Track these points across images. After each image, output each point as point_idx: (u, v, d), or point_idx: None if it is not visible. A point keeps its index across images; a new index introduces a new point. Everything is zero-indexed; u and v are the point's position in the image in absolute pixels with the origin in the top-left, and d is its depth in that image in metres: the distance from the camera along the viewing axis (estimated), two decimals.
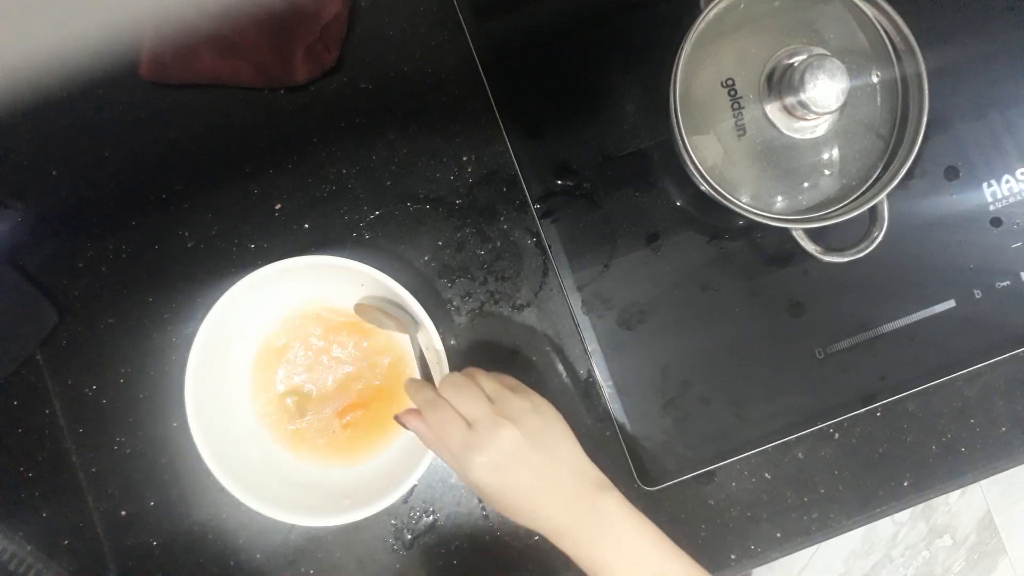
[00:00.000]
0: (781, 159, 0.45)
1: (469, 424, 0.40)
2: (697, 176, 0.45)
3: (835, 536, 0.52)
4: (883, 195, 0.45)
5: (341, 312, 0.50)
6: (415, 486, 0.51)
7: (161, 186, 0.52)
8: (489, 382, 0.41)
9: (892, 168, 0.45)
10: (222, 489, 0.45)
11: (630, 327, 0.51)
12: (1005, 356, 0.52)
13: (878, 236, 0.46)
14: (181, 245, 0.52)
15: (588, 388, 0.52)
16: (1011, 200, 0.52)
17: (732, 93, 0.45)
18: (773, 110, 0.44)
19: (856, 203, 0.45)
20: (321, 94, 0.52)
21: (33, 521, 0.51)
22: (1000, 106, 0.53)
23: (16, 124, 0.52)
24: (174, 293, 0.52)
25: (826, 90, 0.41)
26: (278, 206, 0.52)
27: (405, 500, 0.51)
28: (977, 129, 0.53)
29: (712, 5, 0.44)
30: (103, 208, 0.52)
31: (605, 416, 0.51)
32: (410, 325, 0.47)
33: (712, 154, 0.45)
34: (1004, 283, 0.52)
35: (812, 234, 0.46)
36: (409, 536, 0.51)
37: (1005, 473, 0.53)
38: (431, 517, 0.51)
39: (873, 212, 0.46)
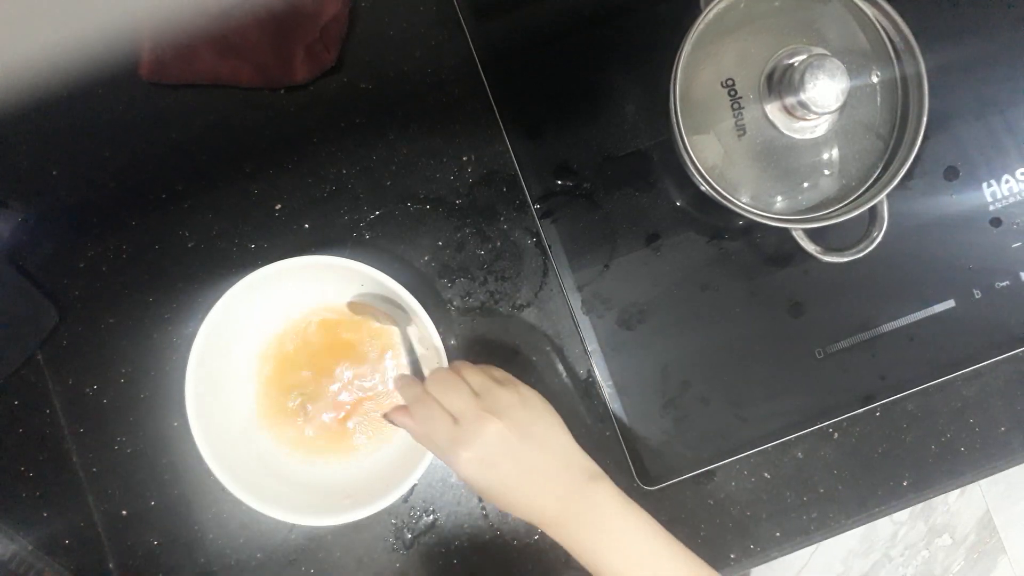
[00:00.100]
0: (781, 159, 0.45)
1: (455, 419, 0.40)
2: (697, 176, 0.45)
3: (834, 535, 0.52)
4: (883, 195, 0.45)
5: (341, 312, 0.50)
6: (415, 486, 0.51)
7: (161, 186, 0.52)
8: (475, 376, 0.41)
9: (892, 168, 0.45)
10: (222, 489, 0.45)
11: (630, 327, 0.51)
12: (1004, 356, 0.52)
13: (878, 236, 0.46)
14: (181, 245, 0.52)
15: (588, 388, 0.52)
16: (1011, 200, 0.52)
17: (732, 93, 0.45)
18: (773, 110, 0.44)
19: (856, 203, 0.45)
20: (321, 94, 0.52)
21: (34, 521, 0.51)
22: (1000, 106, 0.53)
23: (16, 124, 0.52)
24: (174, 293, 0.52)
25: (826, 90, 0.41)
26: (278, 206, 0.52)
27: (405, 500, 0.51)
28: (977, 129, 0.53)
29: (712, 5, 0.44)
30: (103, 208, 0.52)
31: (605, 416, 0.51)
32: (401, 319, 0.48)
33: (712, 154, 0.45)
34: (1003, 283, 0.52)
35: (812, 234, 0.46)
36: (409, 536, 0.51)
37: (1004, 473, 0.53)
38: (431, 517, 0.51)
39: (873, 212, 0.46)
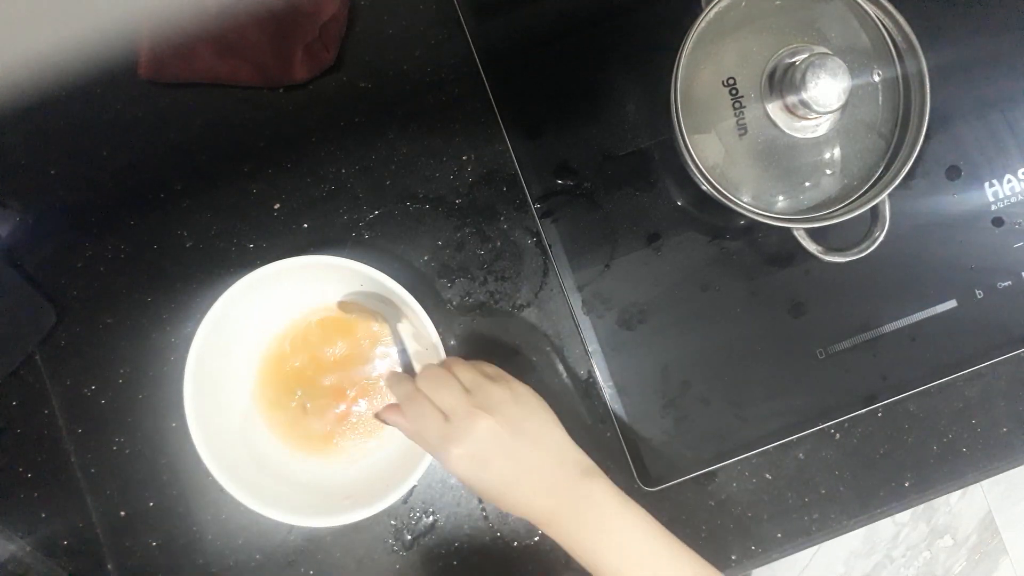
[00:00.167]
0: (782, 158, 0.45)
1: (446, 416, 0.39)
2: (698, 176, 0.45)
3: (836, 536, 0.52)
4: (885, 195, 0.44)
5: (340, 311, 0.50)
6: (415, 486, 0.51)
7: (160, 186, 0.52)
8: (466, 372, 0.41)
9: (894, 168, 0.45)
10: (221, 489, 0.45)
11: (630, 327, 0.51)
12: (1006, 356, 0.51)
13: (879, 236, 0.46)
14: (180, 245, 0.52)
15: (588, 388, 0.51)
16: (1013, 200, 0.52)
17: (733, 92, 0.44)
18: (774, 109, 0.44)
19: (857, 203, 0.45)
20: (320, 93, 0.52)
21: (32, 522, 0.50)
22: (1002, 105, 0.53)
23: (15, 124, 0.52)
24: (173, 293, 0.51)
25: (827, 89, 0.41)
26: (277, 206, 0.52)
27: (405, 500, 0.51)
28: (979, 128, 0.53)
29: (713, 4, 0.44)
30: (102, 208, 0.52)
31: (605, 416, 0.51)
32: (391, 316, 0.48)
33: (713, 153, 0.45)
34: (1006, 283, 0.52)
35: (813, 234, 0.46)
36: (409, 536, 0.51)
37: (1006, 473, 0.52)
38: (431, 517, 0.51)
39: (875, 212, 0.46)
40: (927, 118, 0.44)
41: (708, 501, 0.51)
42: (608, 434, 0.51)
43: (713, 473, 0.51)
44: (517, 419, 0.40)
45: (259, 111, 0.52)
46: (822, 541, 0.52)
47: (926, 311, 0.51)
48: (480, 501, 0.51)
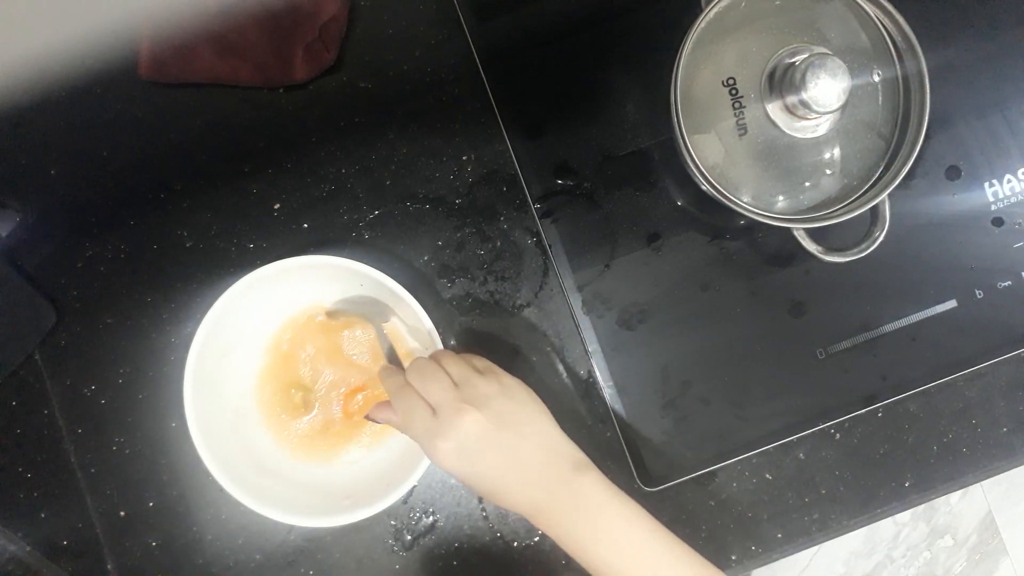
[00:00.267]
0: (782, 158, 0.45)
1: (433, 410, 0.39)
2: (698, 176, 0.45)
3: (836, 537, 0.52)
4: (884, 195, 0.44)
5: (339, 311, 0.50)
6: (415, 486, 0.51)
7: (160, 186, 0.52)
8: (456, 365, 0.41)
9: (894, 168, 0.45)
10: (221, 489, 0.45)
11: (630, 327, 0.51)
12: (1006, 356, 0.51)
13: (879, 236, 0.46)
14: (180, 245, 0.52)
15: (588, 388, 0.51)
16: (1013, 200, 0.52)
17: (733, 92, 0.44)
18: (774, 109, 0.44)
19: (857, 203, 0.45)
20: (320, 93, 0.52)
21: (32, 522, 0.50)
22: (1002, 105, 0.53)
23: (16, 124, 0.52)
24: (173, 293, 0.51)
25: (827, 89, 0.41)
26: (277, 206, 0.52)
27: (405, 500, 0.51)
28: (979, 129, 0.53)
29: (713, 4, 0.44)
30: (102, 208, 0.52)
31: (605, 416, 0.51)
32: (376, 316, 0.48)
33: (713, 153, 0.45)
34: (1006, 283, 0.52)
35: (813, 234, 0.46)
36: (409, 537, 0.51)
37: (1006, 474, 0.52)
38: (431, 518, 0.51)
39: (874, 212, 0.46)
40: (927, 118, 0.44)
41: (708, 501, 0.51)
42: (608, 434, 0.51)
43: (713, 473, 0.51)
44: (505, 413, 0.39)
45: (259, 111, 0.52)
46: (822, 541, 0.52)
47: (926, 311, 0.51)
48: (480, 501, 0.51)
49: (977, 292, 0.52)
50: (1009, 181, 0.53)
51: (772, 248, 0.52)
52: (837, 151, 0.45)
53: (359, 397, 0.50)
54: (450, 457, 0.38)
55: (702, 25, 0.44)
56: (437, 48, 0.52)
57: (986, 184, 0.52)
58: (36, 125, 0.52)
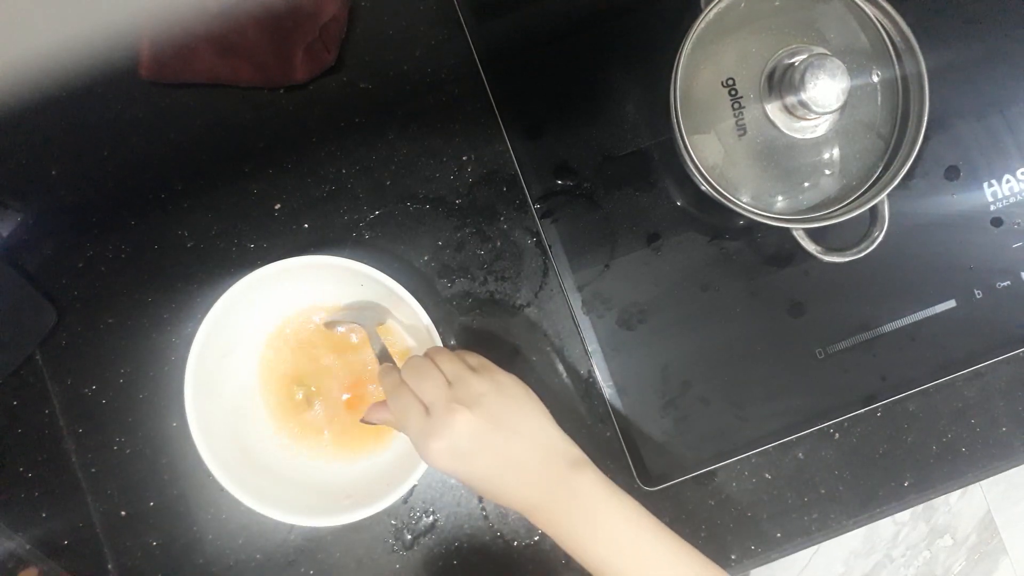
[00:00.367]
0: (782, 159, 0.45)
1: (427, 409, 0.39)
2: (697, 176, 0.45)
3: (835, 536, 0.52)
4: (884, 195, 0.44)
5: (340, 311, 0.50)
6: (415, 486, 0.51)
7: (160, 186, 0.52)
8: (450, 363, 0.40)
9: (893, 168, 0.45)
10: (222, 489, 0.45)
11: (630, 327, 0.51)
12: (1005, 356, 0.52)
13: (879, 236, 0.46)
14: (180, 245, 0.52)
15: (588, 388, 0.52)
16: (1012, 200, 0.52)
17: (733, 93, 0.44)
18: (774, 110, 0.44)
19: (857, 203, 0.45)
20: (320, 94, 0.52)
21: (33, 521, 0.51)
22: (1001, 106, 0.53)
23: (16, 124, 0.52)
24: (174, 293, 0.52)
25: (827, 90, 0.41)
26: (277, 206, 0.52)
27: (405, 500, 0.51)
28: (978, 129, 0.53)
29: (713, 5, 0.44)
30: (102, 208, 0.52)
31: (605, 416, 0.51)
32: (368, 321, 0.48)
33: (712, 154, 0.45)
34: (1005, 283, 0.52)
35: (812, 234, 0.46)
36: (409, 536, 0.51)
37: (1005, 473, 0.52)
38: (431, 517, 0.51)
39: (874, 212, 0.46)
40: (926, 118, 0.44)
41: (708, 501, 0.51)
42: (608, 434, 0.51)
43: (713, 473, 0.51)
44: (499, 412, 0.39)
45: (259, 111, 0.52)
46: (822, 541, 0.52)
47: (925, 311, 0.52)
48: (480, 500, 0.51)
49: (976, 292, 0.52)
50: (1008, 181, 0.53)
51: (771, 248, 0.52)
52: (836, 151, 0.45)
53: (359, 397, 0.50)
54: (443, 457, 0.38)
55: (702, 25, 0.44)
56: (437, 48, 0.53)
57: (985, 184, 0.53)
58: (36, 125, 0.52)
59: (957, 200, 0.52)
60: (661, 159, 0.52)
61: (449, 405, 0.38)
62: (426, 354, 0.41)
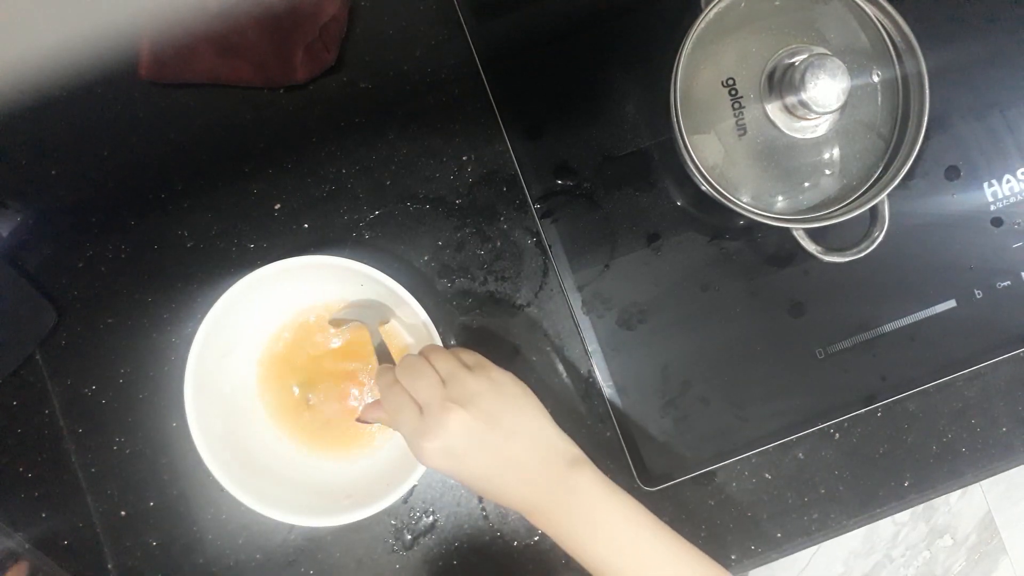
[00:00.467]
0: (782, 159, 0.45)
1: (421, 408, 0.38)
2: (698, 176, 0.45)
3: (835, 536, 0.52)
4: (884, 195, 0.44)
5: (340, 312, 0.50)
6: (415, 486, 0.51)
7: (160, 186, 0.52)
8: (445, 362, 0.40)
9: (893, 168, 0.45)
10: (222, 489, 0.45)
11: (630, 327, 0.51)
12: (1006, 356, 0.52)
13: (879, 236, 0.46)
14: (180, 245, 0.52)
15: (588, 388, 0.52)
16: (1012, 200, 0.52)
17: (733, 92, 0.44)
18: (774, 109, 0.44)
19: (857, 203, 0.45)
20: (320, 94, 0.52)
21: (33, 521, 0.51)
22: (1001, 106, 0.53)
23: (16, 124, 0.52)
24: (173, 293, 0.52)
25: (827, 89, 0.41)
26: (277, 206, 0.52)
27: (405, 500, 0.51)
28: (978, 129, 0.53)
29: (713, 4, 0.44)
30: (102, 208, 0.52)
31: (605, 416, 0.51)
32: (370, 319, 0.48)
33: (713, 154, 0.45)
34: (1005, 283, 0.52)
35: (813, 234, 0.46)
36: (409, 536, 0.51)
37: (1005, 473, 0.52)
38: (431, 517, 0.51)
39: (874, 212, 0.46)
40: (926, 118, 0.44)
41: (708, 501, 0.51)
42: (608, 434, 0.51)
43: (713, 473, 0.51)
44: (494, 410, 0.38)
45: (259, 111, 0.52)
46: (822, 541, 0.52)
47: (925, 311, 0.52)
48: (480, 500, 0.51)
49: (976, 292, 0.52)
50: (1008, 181, 0.53)
51: (771, 248, 0.52)
52: (836, 151, 0.45)
53: (358, 397, 0.50)
54: (436, 457, 0.38)
55: (702, 25, 0.44)
56: (437, 48, 0.53)
57: (985, 184, 0.53)
58: (37, 125, 0.52)
59: (957, 200, 0.52)
60: (661, 159, 0.52)
61: (443, 404, 0.38)
62: (421, 352, 0.41)
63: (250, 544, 0.51)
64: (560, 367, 0.52)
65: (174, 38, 0.48)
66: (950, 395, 0.52)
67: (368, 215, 0.52)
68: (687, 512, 0.51)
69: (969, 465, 0.52)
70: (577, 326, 0.51)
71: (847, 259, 0.46)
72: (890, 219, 0.45)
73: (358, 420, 0.44)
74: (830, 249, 0.46)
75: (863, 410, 0.51)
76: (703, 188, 0.45)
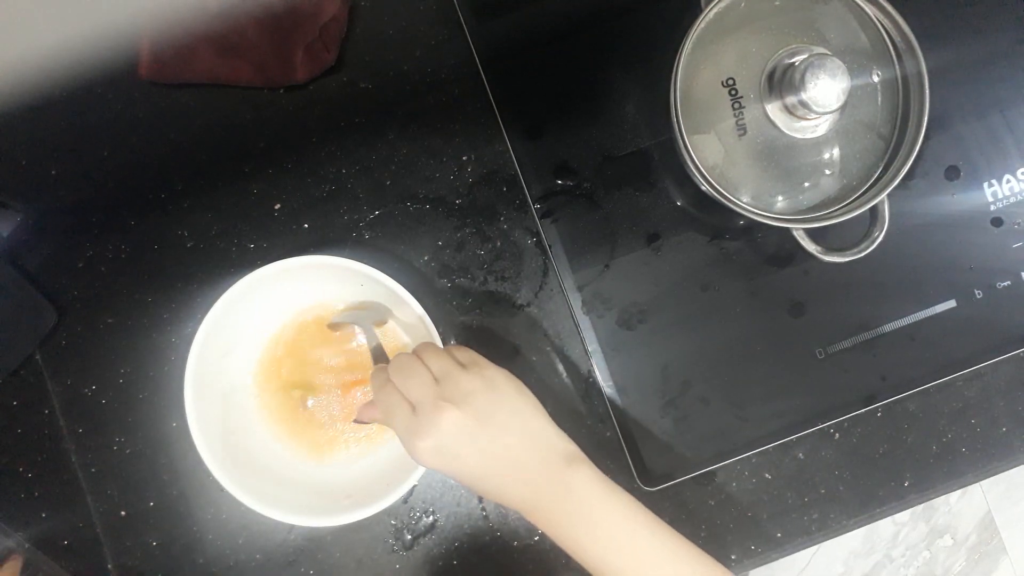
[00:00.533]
0: (782, 159, 0.45)
1: (413, 408, 0.38)
2: (698, 176, 0.45)
3: (835, 536, 0.52)
4: (884, 195, 0.44)
5: (340, 312, 0.50)
6: (415, 486, 0.51)
7: (160, 186, 0.52)
8: (437, 360, 0.39)
9: (893, 168, 0.45)
10: (222, 489, 0.45)
11: (630, 327, 0.51)
12: (1005, 356, 0.52)
13: (879, 236, 0.46)
14: (180, 245, 0.52)
15: (588, 388, 0.52)
16: (1012, 200, 0.52)
17: (733, 92, 0.44)
18: (774, 110, 0.44)
19: (857, 203, 0.45)
20: (320, 94, 0.52)
21: (33, 521, 0.51)
22: (1001, 106, 0.53)
23: (16, 124, 0.52)
24: (173, 293, 0.52)
25: (827, 89, 0.41)
26: (277, 206, 0.52)
27: (405, 500, 0.51)
28: (978, 129, 0.53)
29: (713, 4, 0.44)
30: (102, 208, 0.52)
31: (605, 416, 0.51)
32: (366, 320, 0.48)
33: (713, 154, 0.45)
34: (1005, 283, 0.52)
35: (813, 234, 0.46)
36: (409, 536, 0.51)
37: (1005, 473, 0.52)
38: (431, 517, 0.51)
39: (874, 212, 0.46)
40: (926, 118, 0.44)
41: (708, 501, 0.51)
42: (608, 434, 0.51)
43: (713, 473, 0.51)
44: (488, 408, 0.38)
45: (259, 111, 0.52)
46: (822, 541, 0.52)
47: (925, 311, 0.52)
48: (480, 500, 0.51)
49: (976, 292, 0.52)
50: (1008, 181, 0.53)
51: (771, 248, 0.52)
52: (836, 151, 0.45)
53: (359, 396, 0.50)
54: (428, 455, 0.38)
55: (702, 25, 0.44)
56: (437, 48, 0.53)
57: (985, 184, 0.53)
58: (37, 125, 0.52)
59: (957, 200, 0.52)
60: (661, 159, 0.52)
61: (435, 403, 0.37)
62: (414, 351, 0.41)
63: (250, 544, 0.51)
64: (560, 367, 0.52)
65: (174, 38, 0.48)
66: (950, 395, 0.52)
67: (368, 215, 0.52)
68: (687, 512, 0.51)
69: (969, 465, 0.52)
70: (577, 326, 0.51)
71: (847, 259, 0.46)
72: (890, 219, 0.45)
73: (355, 421, 0.44)
74: (830, 249, 0.46)
75: (863, 410, 0.51)
76: (703, 188, 0.45)
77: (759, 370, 0.51)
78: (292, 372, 0.50)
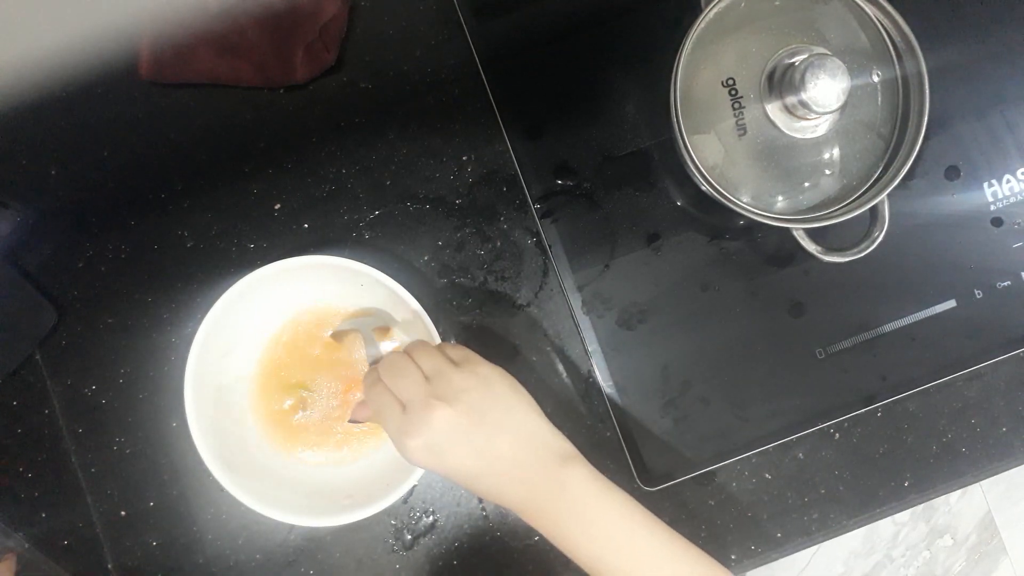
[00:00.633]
0: (782, 159, 0.45)
1: (403, 406, 0.38)
2: (698, 176, 0.45)
3: (835, 536, 0.52)
4: (884, 195, 0.44)
5: (340, 312, 0.50)
6: (415, 486, 0.51)
7: (160, 186, 0.52)
8: (429, 358, 0.39)
9: (893, 168, 0.45)
10: (222, 489, 0.45)
11: (630, 327, 0.51)
12: (1006, 356, 0.52)
13: (879, 236, 0.46)
14: (180, 245, 0.52)
15: (588, 388, 0.52)
16: (1012, 200, 0.52)
17: (733, 92, 0.44)
18: (774, 110, 0.44)
19: (857, 203, 0.45)
20: (320, 94, 0.52)
21: (32, 521, 0.51)
22: (1001, 105, 0.53)
23: (16, 124, 0.52)
24: (173, 293, 0.52)
25: (827, 89, 0.41)
26: (277, 206, 0.52)
27: (405, 500, 0.51)
28: (978, 129, 0.53)
29: (713, 4, 0.44)
30: (102, 208, 0.52)
31: (605, 416, 0.51)
32: (365, 325, 0.48)
33: (713, 154, 0.45)
34: (1005, 283, 0.52)
35: (813, 234, 0.46)
36: (409, 536, 0.51)
37: (1005, 473, 0.52)
38: (431, 517, 0.51)
39: (874, 212, 0.46)
40: (926, 118, 0.44)
41: (708, 501, 0.51)
42: (608, 434, 0.51)
43: (713, 473, 0.51)
44: (480, 406, 0.37)
45: (259, 111, 0.52)
46: (822, 541, 0.52)
47: (925, 311, 0.52)
48: (480, 500, 0.51)
49: (976, 292, 0.52)
50: (1008, 181, 0.53)
51: (771, 248, 0.52)
52: (836, 151, 0.45)
53: (358, 396, 0.50)
54: (419, 454, 0.37)
55: (702, 25, 0.44)
56: (437, 48, 0.53)
57: (985, 184, 0.53)
58: (36, 125, 0.52)
59: (957, 200, 0.52)
60: (661, 159, 0.52)
61: (426, 401, 0.37)
62: (405, 350, 0.40)
63: (250, 544, 0.51)
64: (560, 367, 0.52)
65: (174, 38, 0.48)
66: (950, 395, 0.52)
67: (368, 215, 0.52)
68: (687, 512, 0.51)
69: (969, 465, 0.52)
70: (577, 326, 0.51)
71: (847, 259, 0.46)
72: (890, 219, 0.45)
73: (350, 421, 0.44)
74: (830, 249, 0.46)
75: (863, 410, 0.51)
76: (703, 188, 0.45)
77: (759, 370, 0.51)
78: (292, 372, 0.50)
